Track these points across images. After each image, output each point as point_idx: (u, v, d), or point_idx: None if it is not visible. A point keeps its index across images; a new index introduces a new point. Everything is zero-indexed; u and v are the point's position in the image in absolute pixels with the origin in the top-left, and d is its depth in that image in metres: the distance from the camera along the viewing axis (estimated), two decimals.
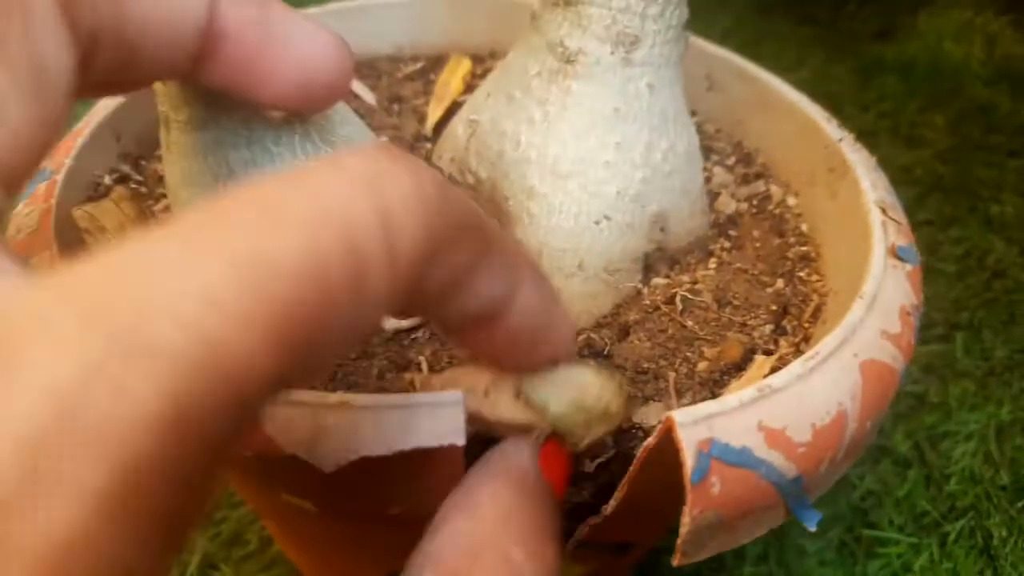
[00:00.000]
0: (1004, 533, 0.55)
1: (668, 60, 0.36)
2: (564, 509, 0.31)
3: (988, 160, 0.88)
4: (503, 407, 0.23)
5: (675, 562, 0.25)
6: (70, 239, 0.33)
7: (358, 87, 0.47)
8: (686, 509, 0.24)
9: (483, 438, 0.24)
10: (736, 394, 0.25)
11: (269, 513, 0.37)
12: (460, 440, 0.24)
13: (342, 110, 0.32)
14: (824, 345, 0.27)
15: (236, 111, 0.29)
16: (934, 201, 0.82)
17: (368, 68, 0.49)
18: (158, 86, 0.30)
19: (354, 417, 0.24)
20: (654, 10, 0.34)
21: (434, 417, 0.24)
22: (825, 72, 1.02)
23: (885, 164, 0.89)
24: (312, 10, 0.48)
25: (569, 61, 0.35)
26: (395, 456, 0.24)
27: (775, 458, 0.25)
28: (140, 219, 0.33)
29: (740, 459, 0.24)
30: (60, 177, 0.33)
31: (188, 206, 0.31)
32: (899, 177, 0.85)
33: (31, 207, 0.32)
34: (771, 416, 0.25)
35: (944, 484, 0.58)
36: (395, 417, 0.24)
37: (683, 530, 0.24)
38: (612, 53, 0.34)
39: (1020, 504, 0.57)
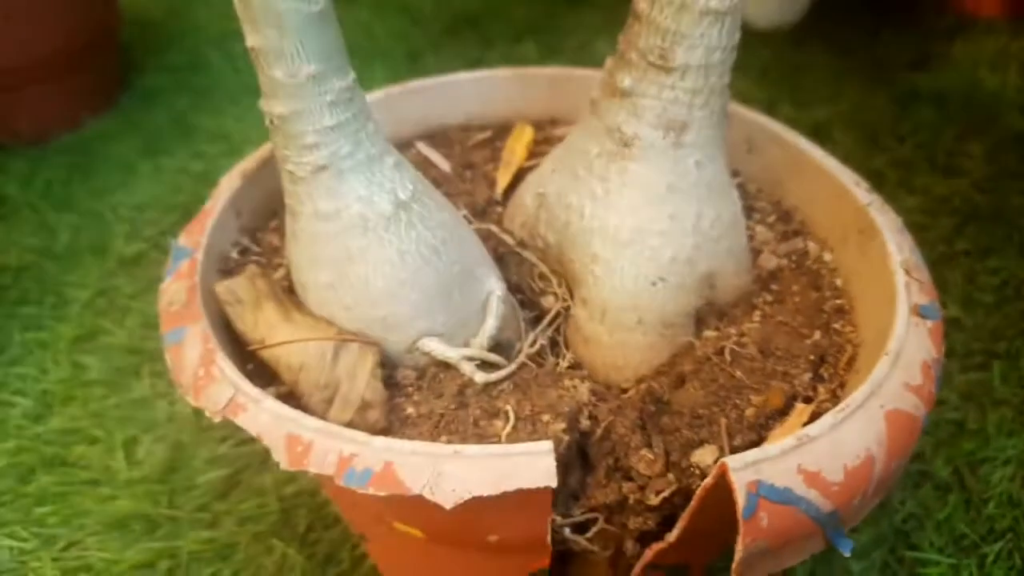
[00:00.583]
0: None
1: (713, 140, 0.41)
2: (633, 537, 0.36)
3: None
4: None
5: None
6: (211, 308, 0.39)
7: (434, 156, 0.53)
8: (739, 539, 0.29)
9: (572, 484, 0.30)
10: (779, 442, 0.30)
11: (377, 538, 0.43)
12: (553, 483, 0.29)
13: (438, 198, 0.38)
14: (853, 398, 0.32)
15: (353, 205, 0.35)
16: (971, 230, 0.85)
17: (442, 137, 0.55)
18: (286, 185, 0.36)
19: (467, 464, 0.30)
20: (700, 100, 0.39)
21: (532, 465, 0.29)
22: (862, 103, 1.05)
23: (923, 194, 0.92)
24: (394, 88, 0.54)
25: (626, 145, 0.40)
26: (501, 495, 0.29)
27: (813, 496, 0.30)
28: (271, 293, 0.39)
29: (783, 497, 0.29)
30: (200, 255, 0.40)
31: (310, 284, 0.37)
32: (936, 207, 0.89)
33: (178, 282, 0.39)
34: (809, 460, 0.30)
35: (983, 508, 0.61)
36: (500, 464, 0.30)
37: (737, 557, 0.29)
38: (664, 138, 0.40)
39: None
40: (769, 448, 0.30)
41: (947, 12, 1.24)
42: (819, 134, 1.00)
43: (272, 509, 0.59)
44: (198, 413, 0.65)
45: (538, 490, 0.29)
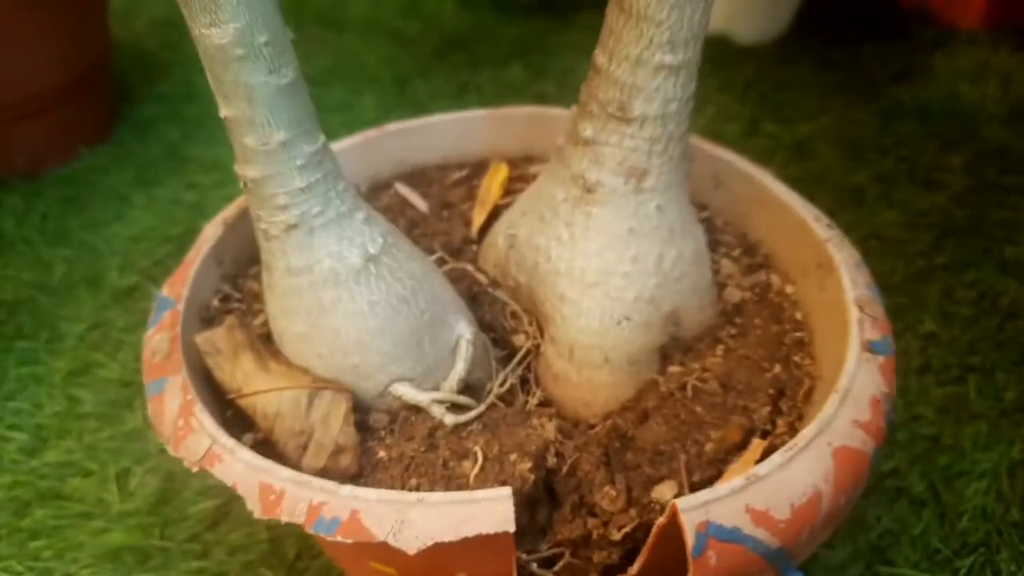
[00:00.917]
0: (1014, 568, 0.59)
1: (673, 183, 0.42)
2: (598, 571, 0.38)
3: (1003, 201, 0.92)
4: None
5: None
6: (192, 358, 0.40)
7: (412, 196, 0.55)
8: None
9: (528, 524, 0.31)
10: (728, 483, 0.32)
11: (356, 574, 0.45)
12: (511, 528, 0.31)
13: (407, 248, 0.40)
14: (802, 436, 0.34)
15: (324, 260, 0.36)
16: (950, 244, 0.87)
17: (420, 177, 0.57)
18: (261, 241, 0.38)
19: (429, 512, 0.31)
20: (659, 147, 0.41)
21: (491, 511, 0.31)
22: (845, 117, 1.07)
23: (902, 208, 0.94)
24: (372, 132, 0.56)
25: (589, 191, 0.42)
26: (462, 540, 0.31)
27: (761, 534, 0.31)
28: (248, 343, 0.40)
29: (731, 536, 0.31)
30: (181, 307, 0.41)
31: (285, 333, 0.39)
32: (916, 221, 0.90)
33: (161, 333, 0.41)
34: (757, 500, 0.32)
35: (957, 522, 0.63)
36: (461, 511, 0.31)
37: None
38: (625, 184, 0.41)
39: None
40: (719, 488, 0.32)
41: (930, 24, 1.25)
42: (801, 150, 1.02)
43: (261, 539, 0.60)
44: None
45: (498, 535, 0.31)
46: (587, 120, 0.41)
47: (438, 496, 0.32)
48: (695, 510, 0.31)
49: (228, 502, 0.63)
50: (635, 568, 0.35)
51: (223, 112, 0.34)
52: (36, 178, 1.00)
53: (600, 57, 0.40)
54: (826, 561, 0.60)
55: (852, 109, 1.10)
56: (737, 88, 1.14)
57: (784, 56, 1.21)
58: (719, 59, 1.19)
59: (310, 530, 0.31)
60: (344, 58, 1.22)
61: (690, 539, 0.30)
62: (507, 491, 0.31)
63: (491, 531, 0.31)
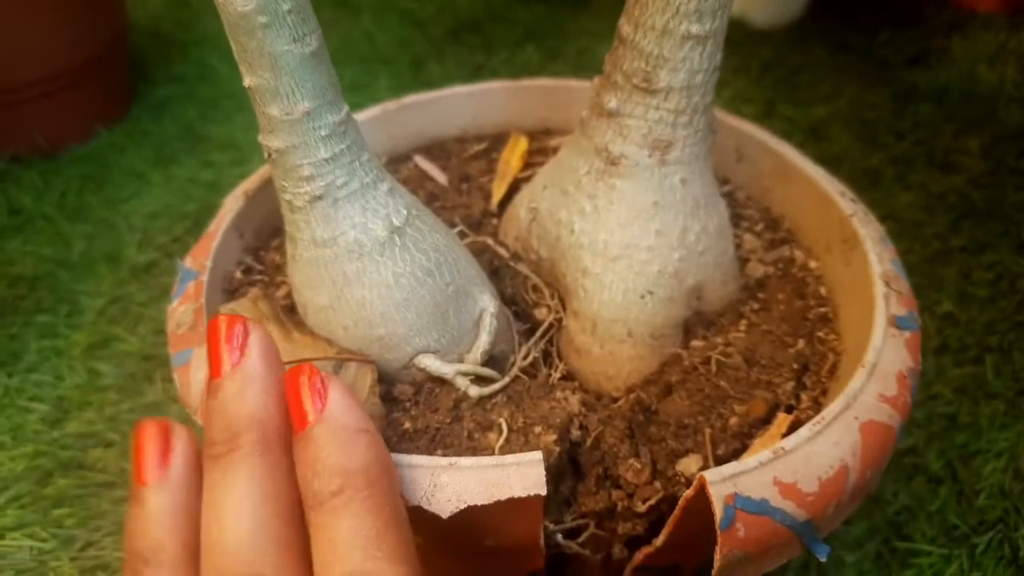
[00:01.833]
0: None
1: (698, 156, 0.42)
2: (622, 542, 0.38)
3: (1021, 184, 0.91)
4: None
5: None
6: None
7: (432, 169, 0.55)
8: (717, 549, 0.30)
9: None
10: (755, 456, 0.32)
11: None
12: (542, 491, 0.31)
13: (432, 221, 0.40)
14: (829, 411, 0.34)
15: (349, 232, 0.36)
16: (967, 226, 0.86)
17: (439, 150, 0.57)
18: (285, 212, 0.38)
19: (461, 475, 0.31)
20: (684, 119, 0.41)
21: (523, 474, 0.31)
22: (861, 100, 1.06)
23: (919, 190, 0.93)
24: (391, 104, 0.56)
25: (613, 163, 0.42)
26: (494, 504, 0.31)
27: (788, 506, 0.31)
28: (272, 315, 0.40)
29: (759, 508, 0.31)
30: (205, 278, 0.41)
31: (309, 305, 0.39)
32: (933, 204, 0.90)
33: (185, 305, 0.41)
34: (784, 473, 0.32)
35: (974, 499, 0.63)
36: (493, 474, 0.31)
37: (716, 566, 0.31)
38: (649, 156, 0.41)
39: None
40: (747, 461, 0.32)
41: (946, 7, 1.24)
42: (817, 132, 1.02)
43: None
44: None
45: (529, 498, 0.31)
46: (611, 91, 0.41)
47: (469, 461, 0.32)
48: (723, 482, 0.31)
49: None
50: (660, 540, 0.35)
51: (247, 81, 0.34)
52: (54, 156, 1.00)
53: (625, 27, 0.40)
54: (844, 537, 0.60)
55: (868, 92, 1.09)
56: (753, 71, 1.13)
57: (800, 40, 1.20)
58: (735, 42, 1.19)
59: None
60: (358, 39, 1.22)
61: (719, 511, 0.30)
62: (538, 456, 0.32)
63: (523, 494, 0.31)
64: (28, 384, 0.73)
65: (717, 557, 0.30)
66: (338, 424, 0.27)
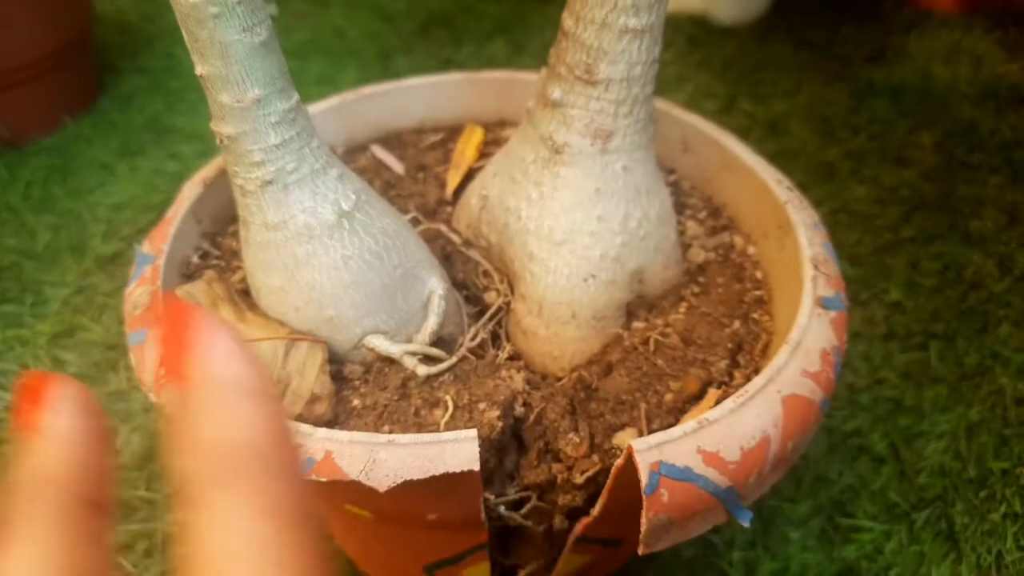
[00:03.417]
0: (967, 520, 0.62)
1: (639, 145, 0.44)
2: (563, 513, 0.40)
3: (971, 178, 0.94)
4: None
5: (640, 551, 0.34)
6: None
7: (388, 158, 0.56)
8: (643, 513, 0.32)
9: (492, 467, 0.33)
10: (680, 426, 0.34)
11: (333, 517, 0.47)
12: (475, 467, 0.33)
13: (380, 206, 0.41)
14: (753, 384, 0.36)
15: (299, 216, 0.38)
16: (918, 218, 0.89)
17: (396, 140, 0.58)
18: (238, 197, 0.39)
19: (399, 451, 0.33)
20: (624, 109, 0.42)
21: (456, 450, 0.32)
22: (820, 96, 1.09)
23: (872, 184, 0.96)
24: (349, 94, 0.57)
25: (557, 152, 0.43)
26: (430, 479, 0.33)
27: (711, 473, 0.33)
28: (227, 296, 0.42)
29: (683, 475, 0.33)
30: (161, 262, 0.43)
31: (262, 288, 0.40)
32: (885, 196, 0.92)
33: (141, 287, 0.42)
34: (707, 442, 0.33)
35: (915, 478, 0.65)
36: (429, 450, 0.33)
37: (642, 528, 0.33)
38: (592, 145, 0.43)
39: (983, 494, 0.64)
40: (672, 431, 0.33)
41: (904, 6, 1.27)
42: (776, 127, 1.04)
43: None
44: None
45: (464, 473, 0.33)
46: (555, 82, 0.43)
47: (407, 437, 0.33)
48: (649, 451, 0.33)
49: None
50: (596, 509, 0.37)
51: (199, 70, 0.35)
52: (20, 147, 1.00)
53: (567, 20, 0.41)
54: (789, 514, 0.62)
55: (827, 88, 1.12)
56: (716, 67, 1.16)
57: (762, 36, 1.23)
58: (699, 38, 1.21)
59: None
60: (327, 32, 1.23)
61: (644, 477, 0.32)
62: (472, 433, 0.33)
63: (457, 470, 0.32)
64: None
65: (643, 521, 0.32)
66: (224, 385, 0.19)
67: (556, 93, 0.43)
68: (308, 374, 0.39)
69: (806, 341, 0.38)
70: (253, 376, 0.19)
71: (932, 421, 0.69)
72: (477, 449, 0.32)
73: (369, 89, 0.58)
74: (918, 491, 0.65)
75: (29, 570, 0.18)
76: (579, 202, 0.43)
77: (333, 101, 0.55)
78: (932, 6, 1.25)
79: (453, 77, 0.59)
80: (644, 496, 0.32)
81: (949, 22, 1.21)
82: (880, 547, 0.61)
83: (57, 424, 0.20)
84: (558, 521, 0.40)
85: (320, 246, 0.38)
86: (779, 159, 0.94)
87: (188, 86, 1.11)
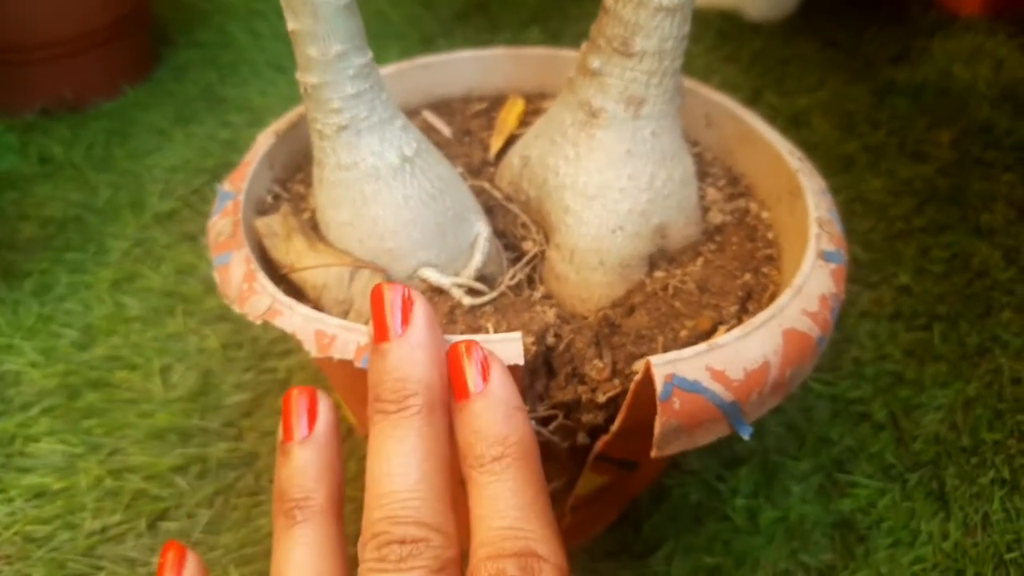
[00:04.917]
0: (957, 482, 0.67)
1: (667, 113, 0.49)
2: (585, 430, 0.45)
3: (985, 174, 0.98)
4: None
5: (652, 454, 0.39)
6: (250, 240, 0.47)
7: (438, 123, 0.62)
8: (658, 418, 0.37)
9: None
10: (692, 348, 0.39)
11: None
12: (521, 361, 0.38)
13: (437, 155, 0.47)
14: (758, 318, 0.41)
15: (368, 158, 0.43)
16: (930, 210, 0.94)
17: (445, 107, 0.64)
18: (315, 140, 0.45)
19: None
20: (655, 80, 0.47)
21: (505, 348, 0.38)
22: (842, 93, 1.13)
23: (888, 176, 1.00)
24: (405, 63, 0.62)
25: (594, 116, 0.49)
26: None
27: (717, 388, 0.38)
28: (300, 228, 0.47)
29: (692, 387, 0.38)
30: (242, 198, 0.48)
31: (331, 222, 0.46)
32: (900, 188, 0.97)
33: (224, 219, 0.48)
34: (715, 361, 0.39)
35: (911, 444, 0.70)
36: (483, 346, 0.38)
37: (656, 431, 0.38)
38: (625, 111, 0.48)
39: (975, 460, 0.68)
40: (684, 351, 0.39)
41: (931, 9, 1.31)
42: (799, 120, 1.09)
43: None
44: (226, 346, 0.74)
45: (511, 367, 0.38)
46: (595, 54, 0.48)
47: (459, 337, 0.39)
48: (664, 365, 0.38)
49: (261, 395, 0.70)
50: (616, 425, 0.42)
51: (290, 26, 0.40)
52: (82, 111, 1.07)
53: None
54: (791, 470, 0.67)
55: (850, 86, 1.16)
56: (743, 61, 1.20)
57: (790, 34, 1.27)
58: (728, 33, 1.26)
59: (358, 364, 0.38)
60: (373, 17, 1.29)
61: (659, 387, 0.37)
62: (518, 334, 0.38)
63: (506, 363, 0.37)
64: (59, 312, 0.80)
65: (657, 424, 0.37)
66: (500, 399, 0.32)
67: (595, 63, 0.48)
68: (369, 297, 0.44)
69: (807, 286, 0.43)
70: (517, 395, 0.34)
71: (931, 394, 0.74)
72: (522, 348, 0.38)
73: (422, 60, 0.63)
74: (913, 455, 0.69)
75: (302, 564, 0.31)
76: (611, 162, 0.48)
77: (390, 69, 0.61)
78: (958, 10, 1.28)
79: (499, 51, 0.64)
80: (659, 402, 0.37)
81: (974, 26, 1.25)
82: (874, 502, 0.66)
83: (319, 433, 0.34)
84: (581, 437, 0.45)
85: (384, 186, 0.44)
86: (799, 150, 0.98)
87: (240, 60, 1.17)
